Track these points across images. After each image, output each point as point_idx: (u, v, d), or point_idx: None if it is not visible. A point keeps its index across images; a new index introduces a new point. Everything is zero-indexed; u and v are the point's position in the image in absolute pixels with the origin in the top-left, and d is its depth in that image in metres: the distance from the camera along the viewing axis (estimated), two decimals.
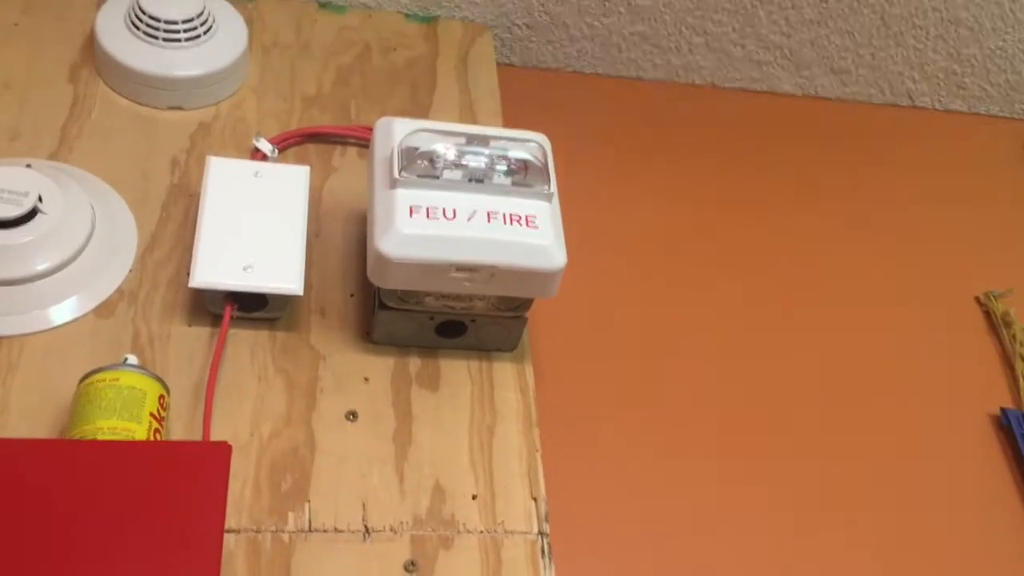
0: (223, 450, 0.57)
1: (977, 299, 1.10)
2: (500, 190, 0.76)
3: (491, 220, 0.74)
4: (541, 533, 0.74)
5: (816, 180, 1.17)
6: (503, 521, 0.74)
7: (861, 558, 0.86)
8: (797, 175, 1.17)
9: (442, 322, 0.80)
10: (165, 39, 0.92)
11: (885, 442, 0.95)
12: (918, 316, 1.06)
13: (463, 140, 0.76)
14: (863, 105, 1.27)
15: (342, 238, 0.88)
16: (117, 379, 0.67)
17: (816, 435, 0.94)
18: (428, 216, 0.73)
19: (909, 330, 1.05)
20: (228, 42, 0.96)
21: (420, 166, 0.75)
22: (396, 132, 0.77)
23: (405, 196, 0.74)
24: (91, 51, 0.95)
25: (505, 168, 0.76)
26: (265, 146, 0.91)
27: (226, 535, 0.69)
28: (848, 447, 0.94)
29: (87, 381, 0.68)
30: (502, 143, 0.77)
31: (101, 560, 0.52)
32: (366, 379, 0.80)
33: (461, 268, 0.74)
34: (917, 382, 1.01)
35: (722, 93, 1.24)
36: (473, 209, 0.74)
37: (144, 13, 0.92)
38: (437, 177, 0.75)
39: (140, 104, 0.93)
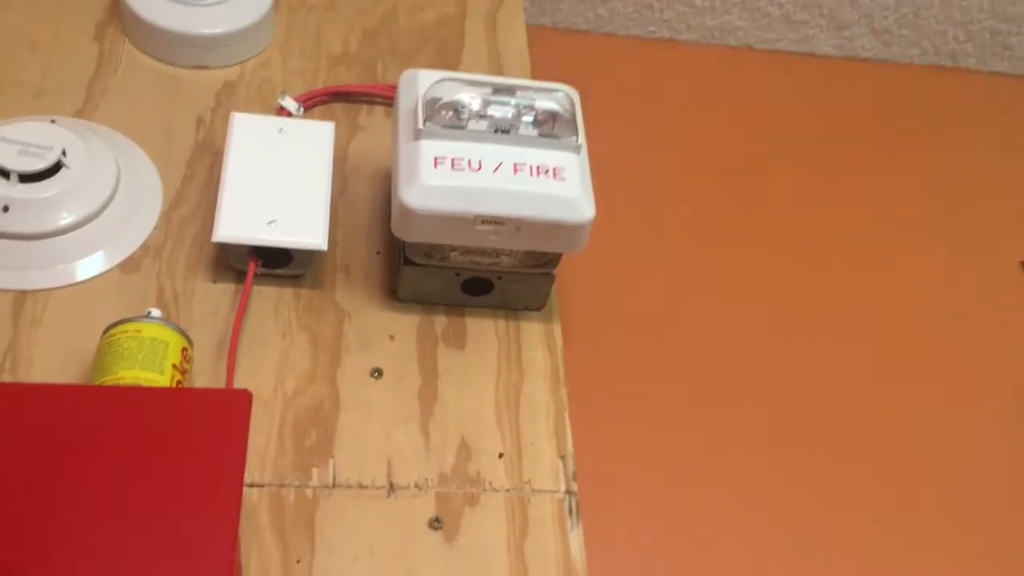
0: (243, 398, 0.56)
1: (1022, 263, 1.06)
2: (527, 141, 0.74)
3: (517, 172, 0.72)
4: (568, 492, 0.73)
5: (856, 143, 1.14)
6: (530, 479, 0.73)
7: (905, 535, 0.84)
8: (836, 138, 1.14)
9: (468, 279, 0.78)
10: None
11: (938, 412, 0.92)
12: (961, 282, 1.03)
13: (489, 90, 0.74)
14: (904, 66, 1.23)
15: (368, 196, 0.87)
16: (139, 330, 0.67)
17: (858, 400, 0.91)
18: (453, 167, 0.72)
19: (953, 297, 1.02)
20: (254, 0, 0.94)
21: (445, 117, 0.73)
22: (421, 83, 0.75)
23: (429, 147, 0.72)
24: (117, 9, 0.94)
25: (532, 119, 0.74)
26: (291, 104, 0.90)
27: (249, 489, 0.69)
28: (897, 416, 0.91)
29: (109, 333, 0.68)
30: (529, 93, 0.75)
31: (119, 505, 0.51)
32: (391, 337, 0.78)
33: (487, 220, 0.72)
34: (965, 350, 0.98)
35: (758, 55, 1.21)
36: (499, 160, 0.73)
37: None
38: (462, 128, 0.73)
39: (165, 62, 0.92)
